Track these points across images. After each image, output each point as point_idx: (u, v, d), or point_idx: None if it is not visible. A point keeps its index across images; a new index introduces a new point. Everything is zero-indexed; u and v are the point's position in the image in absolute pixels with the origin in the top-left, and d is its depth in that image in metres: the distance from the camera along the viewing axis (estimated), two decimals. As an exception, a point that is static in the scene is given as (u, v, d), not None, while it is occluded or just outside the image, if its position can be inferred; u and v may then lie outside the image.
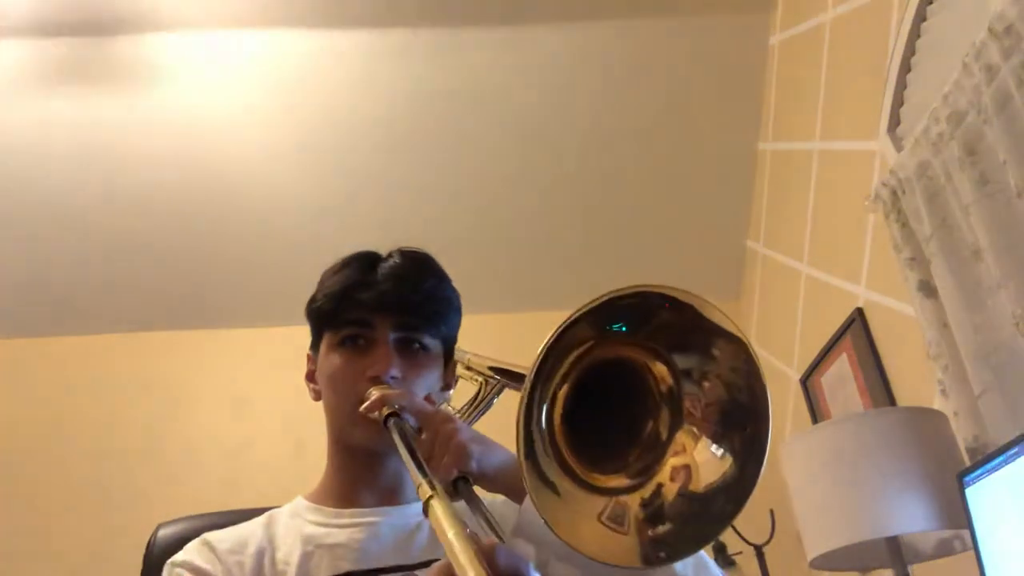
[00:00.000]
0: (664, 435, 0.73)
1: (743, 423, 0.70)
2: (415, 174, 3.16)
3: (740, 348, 0.69)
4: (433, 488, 0.69)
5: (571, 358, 0.70)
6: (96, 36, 2.77)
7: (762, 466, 0.69)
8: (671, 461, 0.72)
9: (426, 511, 0.68)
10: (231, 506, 1.13)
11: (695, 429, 0.72)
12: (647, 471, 0.72)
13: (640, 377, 0.74)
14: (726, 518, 0.69)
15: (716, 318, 0.69)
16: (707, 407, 0.72)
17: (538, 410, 0.69)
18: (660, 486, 0.72)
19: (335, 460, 1.03)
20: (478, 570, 0.54)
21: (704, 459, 0.71)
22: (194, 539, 0.95)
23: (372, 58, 2.94)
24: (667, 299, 0.68)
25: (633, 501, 0.71)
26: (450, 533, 0.62)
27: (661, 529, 0.70)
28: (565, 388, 0.71)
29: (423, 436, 0.86)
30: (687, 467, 0.72)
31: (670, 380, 0.73)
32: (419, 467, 0.76)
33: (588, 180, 3.22)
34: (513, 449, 0.67)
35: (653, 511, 0.70)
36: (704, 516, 0.70)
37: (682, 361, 0.72)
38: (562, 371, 0.70)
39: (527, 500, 0.80)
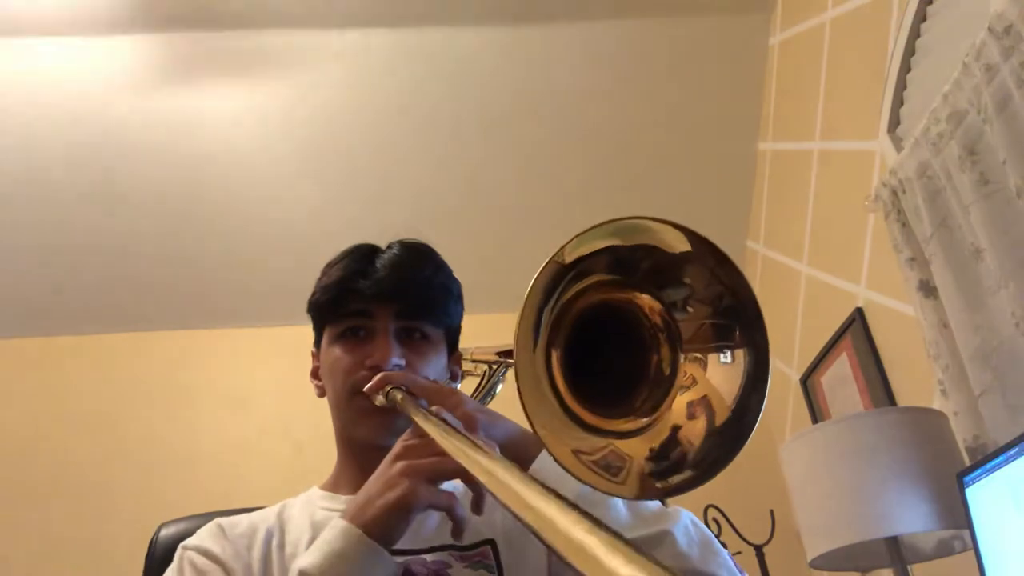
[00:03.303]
0: (667, 370, 0.70)
1: (737, 318, 0.68)
2: (416, 175, 3.16)
3: (704, 255, 0.67)
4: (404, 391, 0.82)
5: (552, 315, 0.67)
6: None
7: (766, 331, 0.66)
8: (683, 398, 0.69)
9: (396, 407, 0.81)
10: (232, 505, 1.13)
11: (698, 353, 0.70)
12: (656, 409, 0.69)
13: (631, 314, 0.72)
14: (756, 420, 0.65)
15: (674, 246, 0.66)
16: (701, 327, 0.70)
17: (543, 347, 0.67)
18: (677, 429, 0.68)
19: (343, 454, 1.02)
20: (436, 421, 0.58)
21: (719, 378, 0.68)
22: (208, 523, 0.96)
23: (371, 59, 2.94)
24: (621, 250, 0.66)
25: (638, 452, 0.67)
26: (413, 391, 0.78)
27: (676, 479, 0.66)
28: (559, 342, 0.69)
29: None
30: (704, 398, 0.68)
31: (659, 308, 0.71)
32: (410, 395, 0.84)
33: (588, 180, 3.22)
34: (521, 424, 0.66)
35: (670, 464, 0.67)
36: (734, 437, 0.66)
37: (667, 296, 0.70)
38: (552, 318, 0.67)
39: (534, 464, 0.82)
